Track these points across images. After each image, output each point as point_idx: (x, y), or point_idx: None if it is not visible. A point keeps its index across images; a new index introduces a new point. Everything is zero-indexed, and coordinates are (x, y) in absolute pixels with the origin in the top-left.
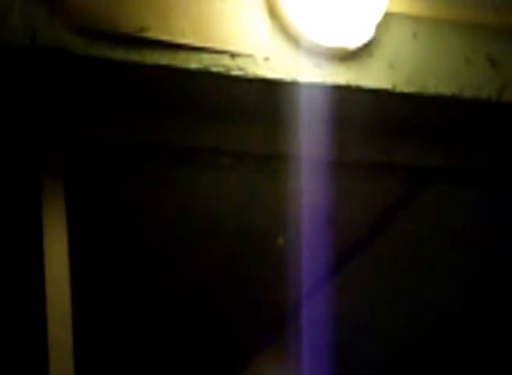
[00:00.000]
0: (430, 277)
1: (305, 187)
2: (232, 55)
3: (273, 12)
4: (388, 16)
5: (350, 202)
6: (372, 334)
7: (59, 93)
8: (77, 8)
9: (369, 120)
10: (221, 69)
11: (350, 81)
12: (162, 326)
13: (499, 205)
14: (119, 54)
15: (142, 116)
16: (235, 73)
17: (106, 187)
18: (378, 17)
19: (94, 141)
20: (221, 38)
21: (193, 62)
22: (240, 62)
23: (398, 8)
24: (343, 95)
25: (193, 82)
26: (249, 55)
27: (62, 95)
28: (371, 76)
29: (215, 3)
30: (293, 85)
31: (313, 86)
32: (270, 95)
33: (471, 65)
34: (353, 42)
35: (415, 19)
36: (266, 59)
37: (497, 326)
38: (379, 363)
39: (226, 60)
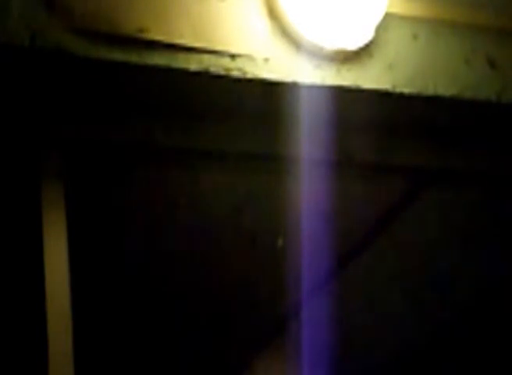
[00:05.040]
0: (430, 277)
1: (305, 188)
2: (232, 56)
3: (273, 13)
4: (388, 17)
5: (350, 203)
6: (372, 334)
7: (59, 94)
8: (77, 9)
9: (369, 121)
10: (220, 70)
11: (349, 82)
12: (162, 327)
13: (499, 205)
14: (118, 55)
15: (142, 116)
16: (235, 73)
17: (106, 188)
18: (378, 18)
19: (94, 141)
20: (220, 39)
21: (193, 63)
22: (239, 63)
23: (398, 9)
24: (342, 96)
25: (192, 83)
26: (249, 56)
27: (61, 96)
28: (371, 77)
29: (214, 4)
30: (292, 86)
31: (313, 87)
32: (270, 96)
33: (471, 66)
34: (353, 43)
35: (415, 20)
36: (266, 60)
37: (498, 326)
38: (379, 363)
39: (226, 61)
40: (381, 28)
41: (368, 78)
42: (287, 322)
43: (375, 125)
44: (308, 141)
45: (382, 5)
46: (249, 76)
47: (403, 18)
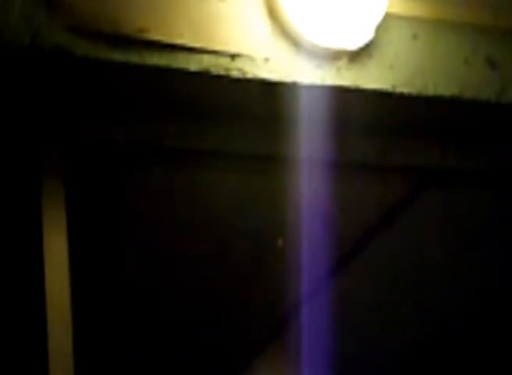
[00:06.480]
0: (430, 278)
1: (305, 188)
2: (232, 56)
3: (273, 13)
4: (388, 17)
5: (350, 203)
6: (372, 335)
7: (59, 94)
8: (77, 9)
9: (369, 121)
10: (220, 71)
11: (349, 82)
12: (162, 327)
13: (499, 205)
14: (118, 55)
15: (141, 117)
16: (235, 74)
17: (106, 188)
18: (378, 18)
19: (94, 141)
20: (220, 39)
21: (193, 64)
22: (239, 63)
23: (398, 9)
24: (342, 96)
25: (192, 83)
26: (249, 56)
27: (61, 96)
28: (371, 78)
29: (214, 4)
30: (292, 86)
31: (313, 87)
32: (270, 96)
33: (471, 66)
34: (353, 43)
35: (415, 20)
36: (266, 60)
37: (498, 327)
38: (379, 364)
39: (226, 61)
40: (381, 28)
41: (368, 78)
42: (287, 322)
43: (375, 125)
44: (308, 141)
45: (382, 5)
46: (249, 76)
47: (403, 18)
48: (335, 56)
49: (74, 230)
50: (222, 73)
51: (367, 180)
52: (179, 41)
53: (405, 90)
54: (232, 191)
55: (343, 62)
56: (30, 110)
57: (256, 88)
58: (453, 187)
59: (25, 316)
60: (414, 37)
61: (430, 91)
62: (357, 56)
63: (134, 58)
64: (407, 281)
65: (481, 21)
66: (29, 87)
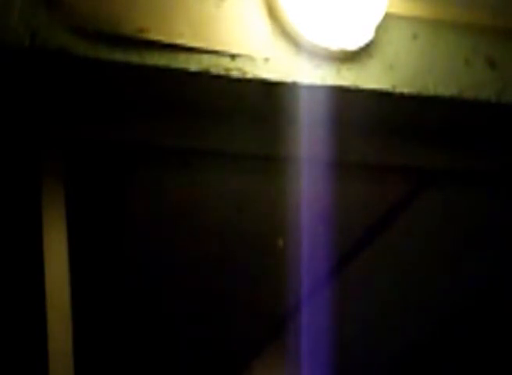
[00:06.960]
0: (430, 278)
1: (305, 188)
2: (232, 56)
3: (273, 13)
4: (388, 17)
5: (350, 203)
6: (372, 335)
7: (59, 94)
8: (77, 9)
9: (369, 121)
10: (220, 71)
11: (349, 82)
12: (162, 326)
13: (499, 205)
14: (118, 55)
15: (142, 116)
16: (234, 73)
17: (106, 188)
18: (378, 18)
19: (94, 141)
20: (220, 39)
21: (193, 64)
22: (239, 63)
23: (398, 9)
24: (342, 96)
25: (192, 83)
26: (249, 56)
27: (61, 96)
28: (371, 78)
29: (214, 4)
30: (292, 86)
31: (313, 87)
32: (270, 96)
33: (471, 66)
34: (353, 43)
35: (415, 20)
36: (266, 60)
37: (498, 327)
38: (379, 364)
39: (226, 61)
40: (381, 28)
41: (368, 78)
42: (287, 322)
43: (375, 125)
44: (308, 141)
45: (382, 5)
46: (249, 76)
47: (403, 18)
48: (335, 56)
49: (74, 230)
50: (222, 73)
51: (367, 180)
52: (179, 40)
53: (405, 90)
54: (232, 191)
55: (343, 62)
56: (31, 110)
57: (256, 88)
58: (453, 187)
59: (25, 316)
60: (414, 37)
61: (430, 91)
62: (357, 56)
63: (134, 58)
64: (407, 281)
65: (481, 21)
66: (29, 88)
